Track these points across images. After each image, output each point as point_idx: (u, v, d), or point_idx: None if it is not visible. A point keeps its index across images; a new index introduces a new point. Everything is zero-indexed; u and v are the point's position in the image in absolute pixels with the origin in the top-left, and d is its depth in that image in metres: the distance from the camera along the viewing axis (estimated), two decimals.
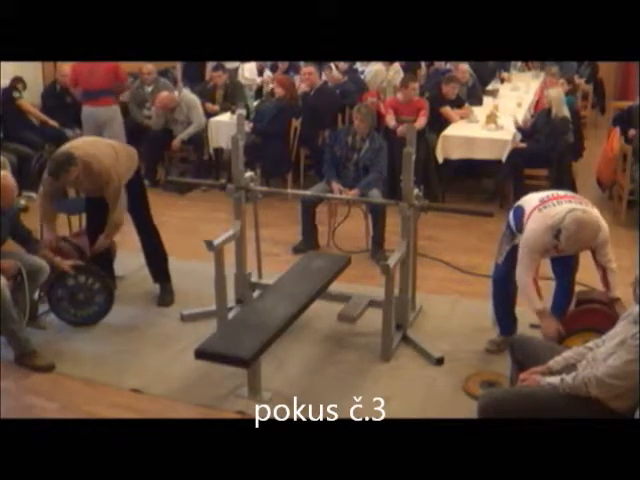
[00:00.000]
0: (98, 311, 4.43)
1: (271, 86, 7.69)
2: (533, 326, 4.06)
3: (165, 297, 4.79)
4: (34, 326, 4.27)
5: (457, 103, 7.33)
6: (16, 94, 7.11)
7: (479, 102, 7.96)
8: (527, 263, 3.67)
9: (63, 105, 7.54)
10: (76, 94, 7.36)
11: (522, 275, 3.70)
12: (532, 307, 3.72)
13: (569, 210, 3.51)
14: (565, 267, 3.97)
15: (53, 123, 7.29)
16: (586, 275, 4.03)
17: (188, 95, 7.42)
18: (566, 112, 6.57)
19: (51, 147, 6.24)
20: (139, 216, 4.74)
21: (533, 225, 3.66)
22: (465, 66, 7.99)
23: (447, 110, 7.15)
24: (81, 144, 4.52)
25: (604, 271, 3.69)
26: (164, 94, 7.24)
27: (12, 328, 3.94)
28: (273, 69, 9.03)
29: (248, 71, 8.81)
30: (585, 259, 3.87)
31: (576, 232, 3.44)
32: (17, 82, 7.19)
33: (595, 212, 3.63)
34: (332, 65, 8.02)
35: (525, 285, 3.70)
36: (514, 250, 3.83)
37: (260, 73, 9.07)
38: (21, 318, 4.04)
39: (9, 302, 3.90)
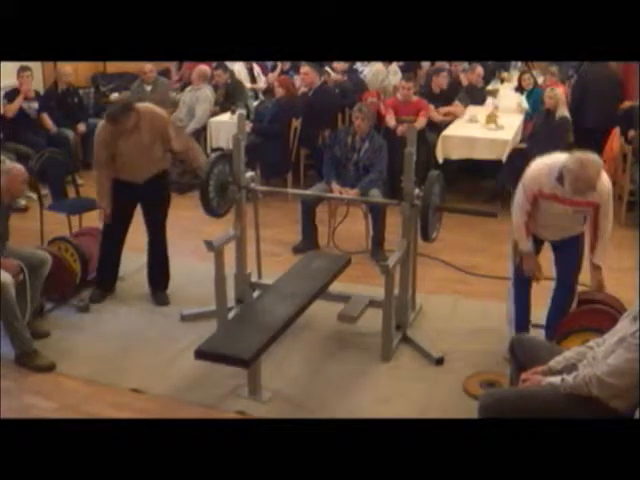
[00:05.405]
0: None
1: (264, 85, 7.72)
2: (534, 326, 4.06)
3: (161, 296, 4.78)
4: (37, 334, 4.22)
5: (443, 98, 7.28)
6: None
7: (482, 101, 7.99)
8: (522, 202, 3.75)
9: (65, 105, 7.49)
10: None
11: (517, 213, 3.78)
12: (521, 247, 3.83)
13: (570, 154, 3.53)
14: (567, 267, 3.96)
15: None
16: (586, 275, 4.02)
17: (207, 90, 7.46)
18: (566, 112, 6.58)
19: (51, 148, 6.23)
20: (156, 220, 4.72)
21: (532, 166, 3.74)
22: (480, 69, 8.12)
23: (430, 111, 7.06)
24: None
25: (595, 231, 3.69)
26: (201, 67, 7.54)
27: (15, 326, 3.93)
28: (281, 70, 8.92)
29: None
30: (585, 260, 3.87)
31: (580, 169, 3.42)
32: (23, 70, 7.01)
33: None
34: (328, 69, 7.99)
35: (518, 225, 3.79)
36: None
37: (252, 77, 8.97)
38: (25, 316, 4.03)
39: (13, 300, 3.89)
